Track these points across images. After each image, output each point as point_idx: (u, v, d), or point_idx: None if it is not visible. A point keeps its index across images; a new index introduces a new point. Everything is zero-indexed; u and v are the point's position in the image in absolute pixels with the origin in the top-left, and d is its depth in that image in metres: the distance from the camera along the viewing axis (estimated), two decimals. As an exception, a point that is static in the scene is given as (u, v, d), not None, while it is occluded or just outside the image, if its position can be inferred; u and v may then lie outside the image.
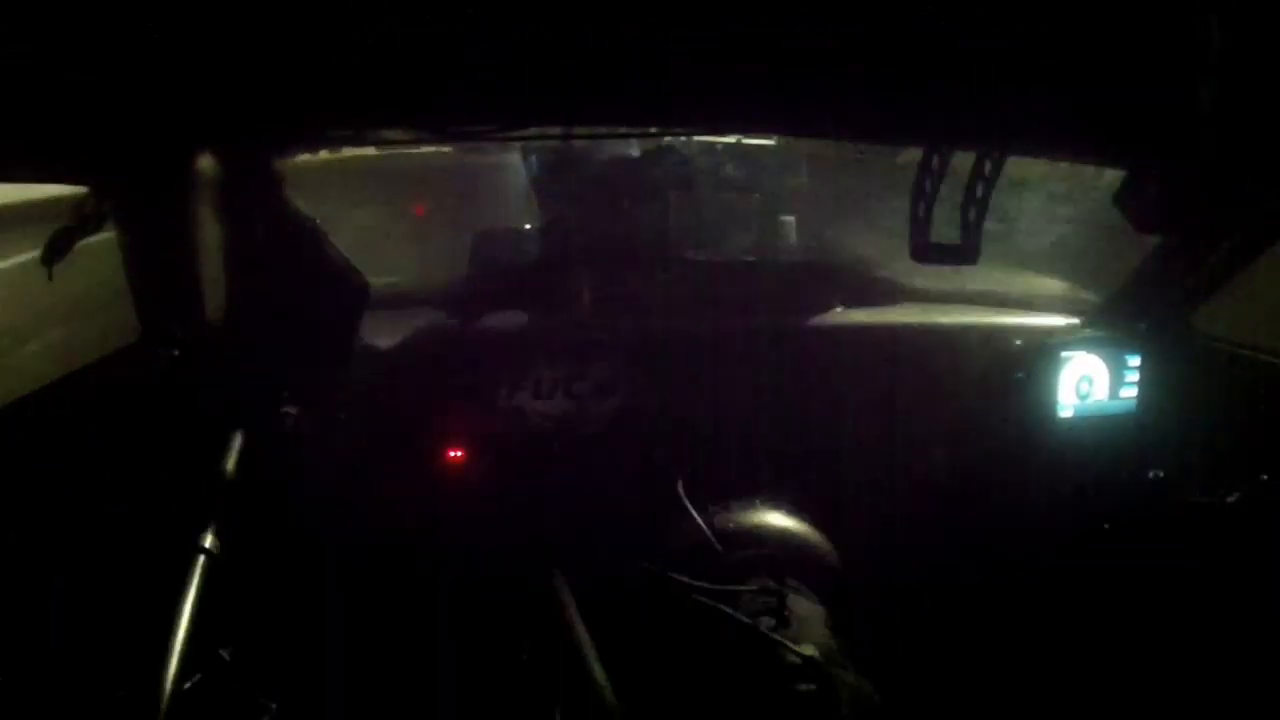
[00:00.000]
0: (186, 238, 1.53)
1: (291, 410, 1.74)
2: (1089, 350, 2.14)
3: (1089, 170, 2.16)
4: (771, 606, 1.65)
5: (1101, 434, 2.14)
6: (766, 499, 2.01)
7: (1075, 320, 2.33)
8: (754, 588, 1.72)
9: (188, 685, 1.31)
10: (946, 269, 1.43)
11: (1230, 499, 1.91)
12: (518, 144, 3.29)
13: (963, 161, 1.29)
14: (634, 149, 3.04)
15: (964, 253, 1.29)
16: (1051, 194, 2.91)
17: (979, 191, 1.27)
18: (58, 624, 1.38)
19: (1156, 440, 2.13)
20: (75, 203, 1.37)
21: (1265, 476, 1.88)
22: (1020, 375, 2.13)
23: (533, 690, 1.76)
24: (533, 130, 1.79)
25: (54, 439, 1.52)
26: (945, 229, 1.31)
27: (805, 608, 1.72)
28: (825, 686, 1.47)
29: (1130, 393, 2.16)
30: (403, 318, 2.12)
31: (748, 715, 1.52)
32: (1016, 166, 1.36)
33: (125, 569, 1.45)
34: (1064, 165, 2.39)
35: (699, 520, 1.88)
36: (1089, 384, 2.14)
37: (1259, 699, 1.78)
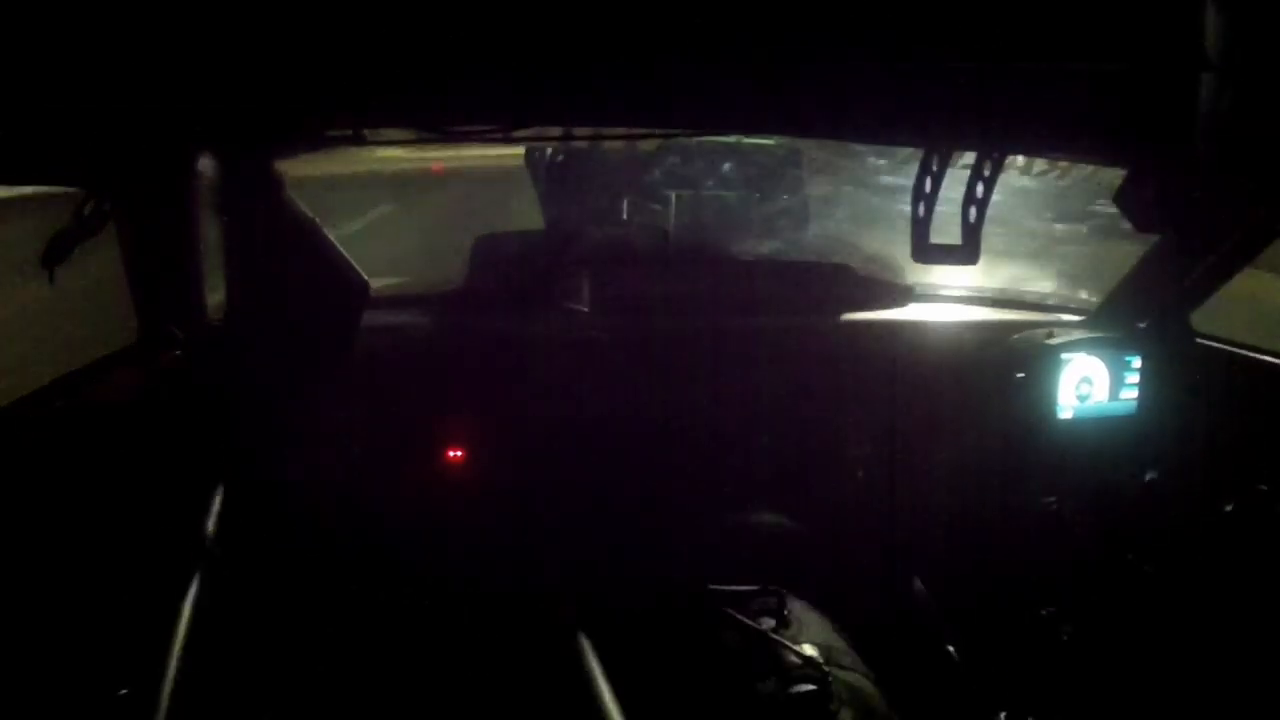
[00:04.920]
0: (186, 238, 1.53)
1: (291, 410, 1.74)
2: (1089, 350, 2.14)
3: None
4: (771, 607, 1.65)
5: (1101, 434, 2.14)
6: (766, 499, 2.02)
7: (1075, 320, 2.34)
8: (754, 588, 1.72)
9: (188, 685, 1.31)
10: (947, 269, 1.43)
11: (1229, 499, 1.91)
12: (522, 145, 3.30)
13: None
14: (635, 149, 3.05)
15: (964, 253, 1.29)
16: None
17: (979, 191, 1.27)
18: (58, 624, 1.38)
19: (1156, 441, 2.13)
20: (75, 204, 1.37)
21: (1264, 477, 1.88)
22: (1020, 375, 2.13)
23: (532, 690, 1.76)
24: (533, 130, 1.79)
25: (54, 439, 1.52)
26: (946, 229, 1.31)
27: (805, 608, 1.72)
28: (825, 686, 1.47)
29: (1130, 393, 2.16)
30: (403, 318, 2.13)
31: (748, 715, 1.52)
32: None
33: (125, 569, 1.45)
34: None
35: (699, 520, 1.88)
36: (1089, 384, 2.14)
37: (1258, 699, 1.78)
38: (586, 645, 1.68)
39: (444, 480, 2.03)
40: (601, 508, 1.96)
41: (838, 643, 1.62)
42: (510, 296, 2.22)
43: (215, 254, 1.57)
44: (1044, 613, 2.06)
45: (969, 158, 1.30)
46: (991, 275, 2.65)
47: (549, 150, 3.26)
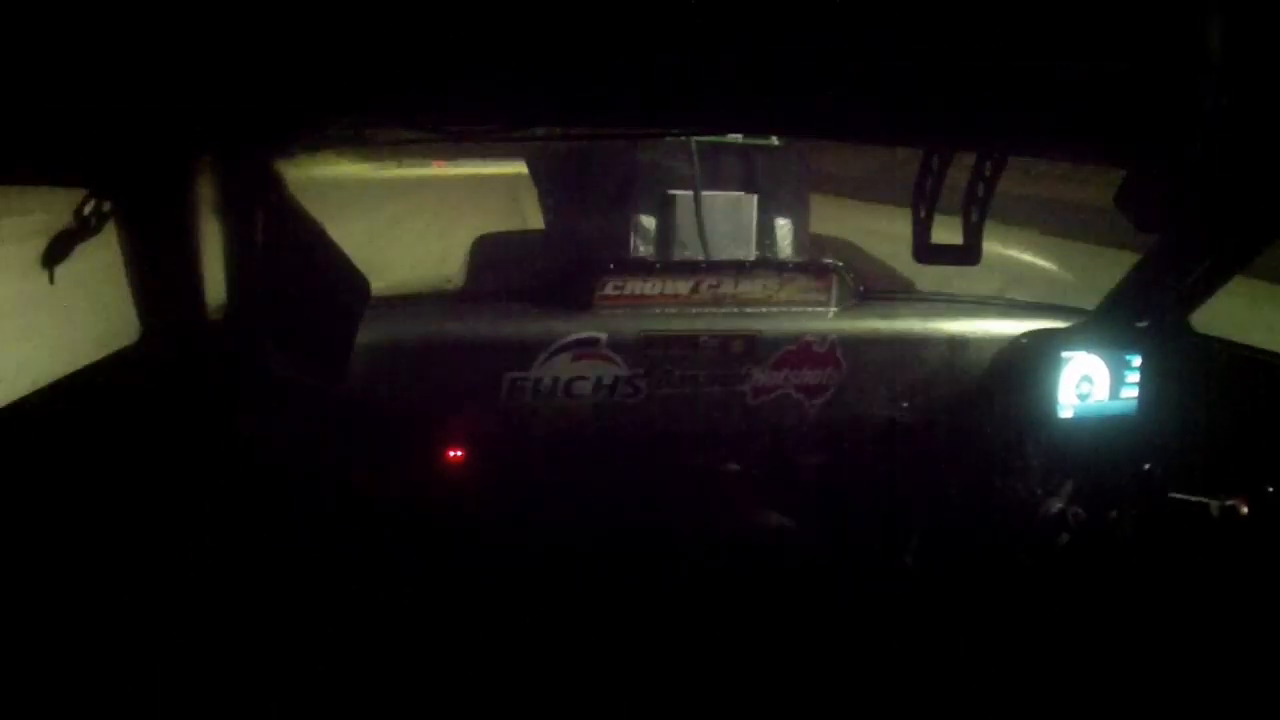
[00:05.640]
0: (186, 238, 1.53)
1: (291, 410, 1.74)
2: (1089, 350, 2.14)
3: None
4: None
5: (1101, 434, 2.14)
6: (766, 498, 2.02)
7: (1075, 320, 2.33)
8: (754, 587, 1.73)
9: (188, 685, 1.32)
10: (947, 269, 1.43)
11: (1230, 499, 1.91)
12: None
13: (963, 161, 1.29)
14: (635, 149, 3.04)
15: (965, 253, 1.29)
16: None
17: (979, 191, 1.27)
18: (58, 623, 1.38)
19: (1156, 440, 2.13)
20: (75, 204, 1.37)
21: (1265, 477, 1.88)
22: (1020, 375, 2.13)
23: (531, 690, 1.76)
24: (533, 130, 1.79)
25: (54, 439, 1.52)
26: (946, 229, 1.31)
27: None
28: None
29: (1130, 393, 2.16)
30: (403, 318, 2.12)
31: (745, 713, 1.52)
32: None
33: (125, 569, 1.45)
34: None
35: (699, 520, 1.89)
36: (1089, 384, 2.14)
37: (1257, 700, 1.78)
38: (585, 645, 1.68)
39: (444, 480, 2.03)
40: (601, 507, 1.96)
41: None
42: (510, 296, 2.22)
43: (215, 254, 1.57)
44: (1045, 613, 2.06)
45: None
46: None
47: (548, 150, 3.25)
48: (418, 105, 1.19)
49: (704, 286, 2.27)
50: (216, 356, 1.59)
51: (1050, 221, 10.00)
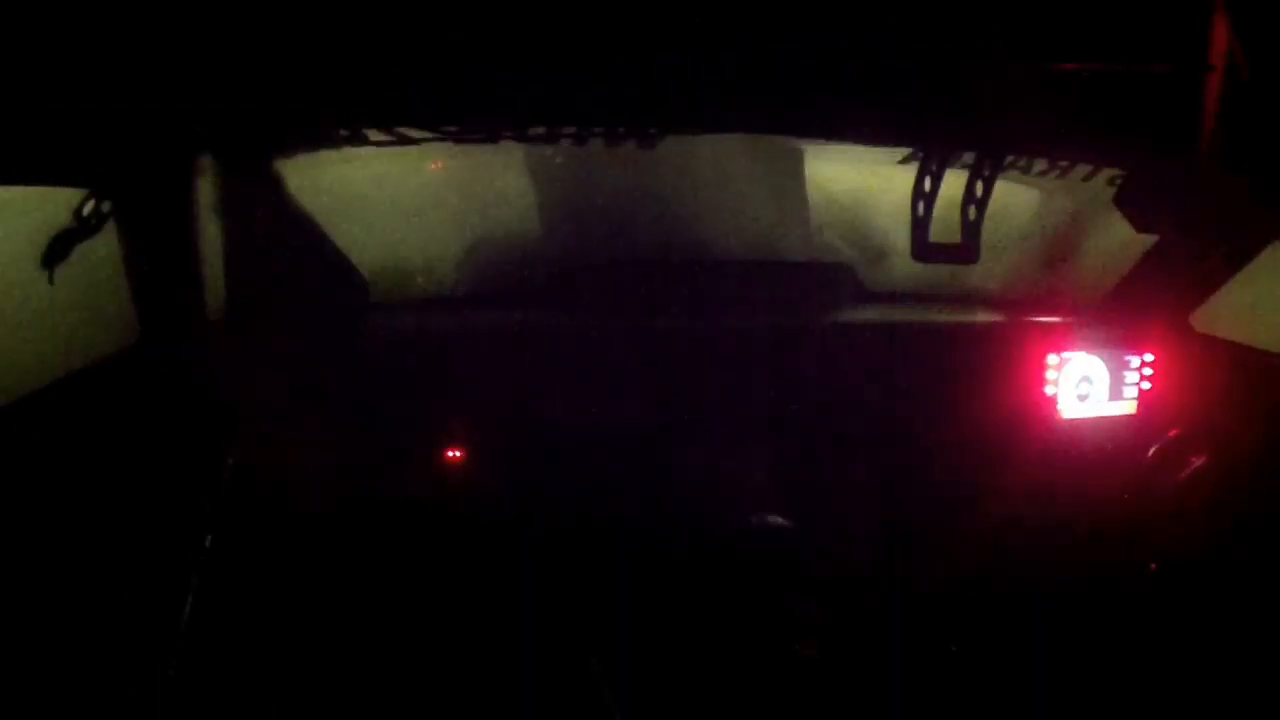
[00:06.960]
0: (186, 238, 1.54)
1: (291, 411, 1.74)
2: (1089, 350, 2.14)
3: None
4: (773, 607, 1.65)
5: (1101, 434, 2.14)
6: (765, 499, 2.02)
7: (1075, 320, 2.33)
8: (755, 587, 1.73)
9: (188, 685, 1.32)
10: (947, 268, 1.44)
11: (1230, 499, 1.91)
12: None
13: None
14: (634, 149, 3.04)
15: (964, 252, 1.30)
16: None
17: (979, 191, 1.27)
18: (58, 624, 1.38)
19: (1157, 440, 2.13)
20: (76, 204, 1.37)
21: (1266, 477, 1.88)
22: (1020, 375, 2.13)
23: (532, 690, 1.76)
24: (533, 130, 1.79)
25: (54, 439, 1.52)
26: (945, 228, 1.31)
27: (805, 607, 1.72)
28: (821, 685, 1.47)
29: (1130, 393, 2.16)
30: (403, 318, 2.12)
31: (744, 712, 1.52)
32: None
33: (125, 569, 1.45)
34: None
35: (698, 519, 1.89)
36: (1089, 384, 2.14)
37: (1258, 700, 1.78)
38: (585, 643, 1.68)
39: (444, 480, 2.03)
40: (601, 508, 1.96)
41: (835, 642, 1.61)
42: (510, 296, 2.22)
43: (215, 254, 1.57)
44: (1045, 613, 2.06)
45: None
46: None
47: (547, 150, 3.25)
48: (418, 105, 1.19)
49: (703, 285, 2.27)
50: (216, 356, 1.60)
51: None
